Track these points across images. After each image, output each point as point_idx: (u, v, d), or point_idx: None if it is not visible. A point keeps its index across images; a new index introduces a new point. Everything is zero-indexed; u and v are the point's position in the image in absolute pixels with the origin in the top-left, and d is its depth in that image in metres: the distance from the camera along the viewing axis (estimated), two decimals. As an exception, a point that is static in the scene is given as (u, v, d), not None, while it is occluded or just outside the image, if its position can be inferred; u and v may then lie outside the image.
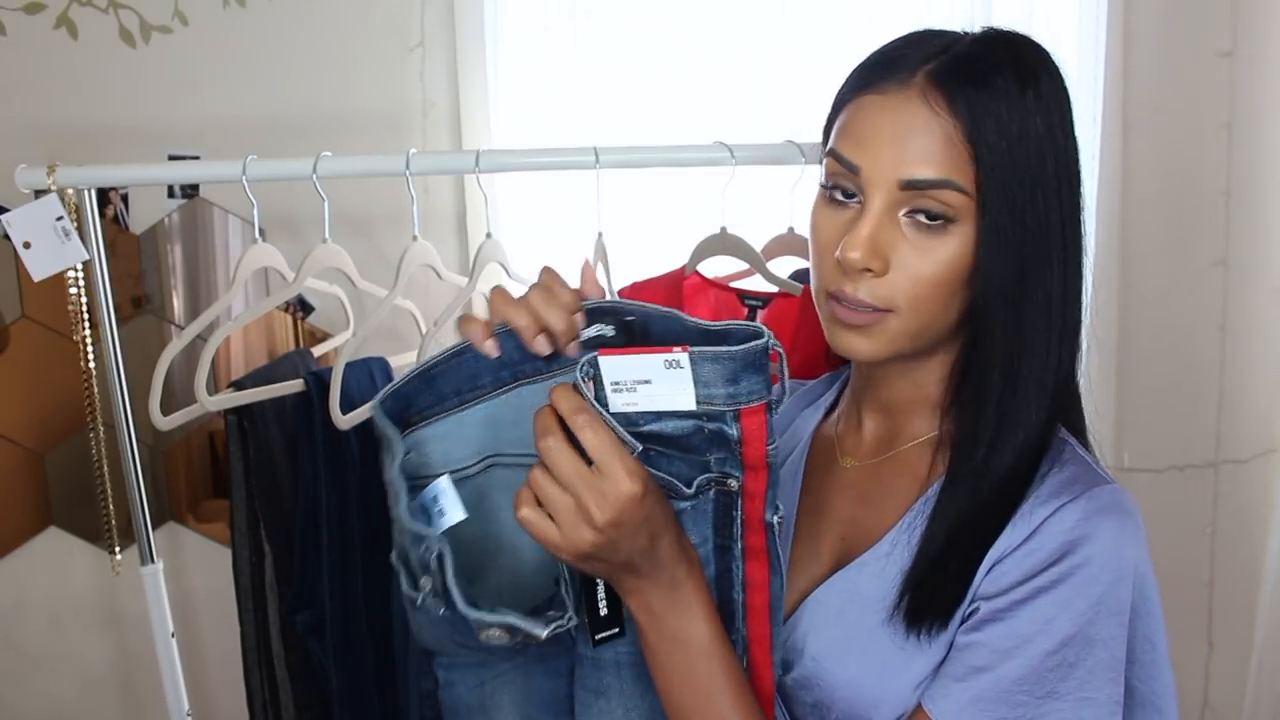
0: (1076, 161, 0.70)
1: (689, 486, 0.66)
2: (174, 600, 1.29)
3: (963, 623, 0.69)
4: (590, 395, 0.62)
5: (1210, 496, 1.73)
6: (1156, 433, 1.70)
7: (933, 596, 0.68)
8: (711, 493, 0.67)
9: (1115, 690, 0.65)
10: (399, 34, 1.65)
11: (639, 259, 1.34)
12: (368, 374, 1.28)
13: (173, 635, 1.28)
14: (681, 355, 0.61)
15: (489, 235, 1.21)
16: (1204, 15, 1.62)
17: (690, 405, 0.62)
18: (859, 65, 0.73)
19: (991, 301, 0.68)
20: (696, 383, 0.62)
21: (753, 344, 0.61)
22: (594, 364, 0.62)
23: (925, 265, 0.67)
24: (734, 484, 0.66)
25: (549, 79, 1.62)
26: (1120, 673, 0.66)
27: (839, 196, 0.71)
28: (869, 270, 0.68)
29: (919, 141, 0.66)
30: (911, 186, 0.66)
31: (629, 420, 0.63)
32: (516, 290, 0.70)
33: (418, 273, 1.20)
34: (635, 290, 1.22)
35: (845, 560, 0.76)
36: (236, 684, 1.27)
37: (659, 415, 0.64)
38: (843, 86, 0.74)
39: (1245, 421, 1.69)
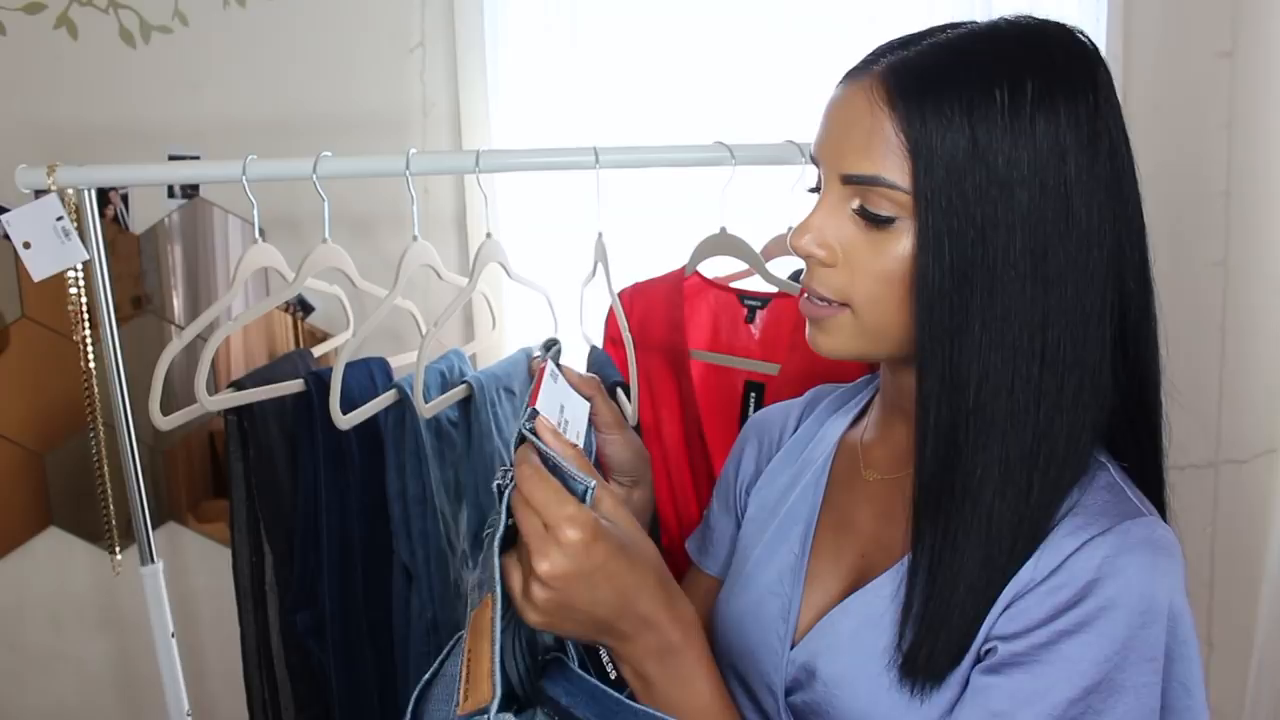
0: (1089, 168, 0.62)
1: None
2: (174, 600, 1.29)
3: (980, 659, 0.64)
4: (542, 444, 0.65)
5: (1210, 496, 1.73)
6: (1156, 433, 1.70)
7: (930, 656, 0.64)
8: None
9: None
10: (399, 34, 1.65)
11: (639, 259, 1.34)
12: (368, 374, 1.28)
13: (173, 635, 1.28)
14: (546, 366, 0.69)
15: (489, 235, 1.21)
16: (1204, 15, 1.62)
17: (586, 404, 0.71)
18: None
19: (932, 308, 0.62)
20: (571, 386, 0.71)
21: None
22: (532, 415, 0.66)
23: (874, 261, 0.65)
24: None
25: (549, 79, 1.62)
26: None
27: (814, 187, 0.72)
28: (819, 260, 0.68)
29: (855, 135, 0.65)
30: (850, 181, 0.66)
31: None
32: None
33: (418, 273, 1.20)
34: (636, 290, 1.22)
35: (864, 579, 0.72)
36: (236, 684, 1.27)
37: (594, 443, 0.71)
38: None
39: (1245, 421, 1.69)
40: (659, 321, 1.20)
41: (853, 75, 0.67)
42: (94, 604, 1.77)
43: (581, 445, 0.67)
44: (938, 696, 0.64)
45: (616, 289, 1.14)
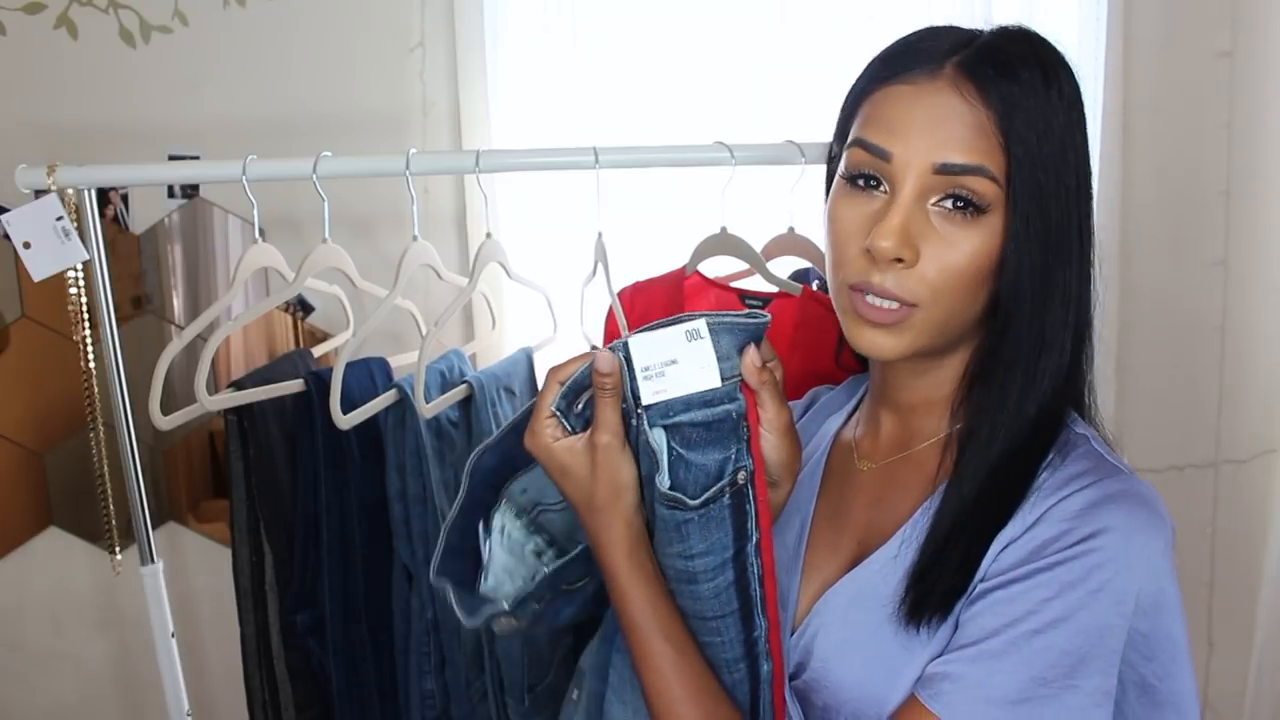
0: (1089, 161, 0.70)
1: (696, 498, 0.66)
2: (174, 600, 1.29)
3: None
4: (627, 387, 0.65)
5: (1210, 496, 1.73)
6: (1156, 433, 1.70)
7: (933, 588, 0.68)
8: (726, 498, 0.66)
9: (1105, 681, 0.64)
10: (399, 34, 1.65)
11: (639, 259, 1.34)
12: (368, 374, 1.28)
13: (173, 635, 1.28)
14: (699, 324, 0.63)
15: (489, 235, 1.21)
16: (1204, 15, 1.62)
17: (715, 381, 0.64)
18: (877, 59, 0.73)
19: (1019, 295, 0.68)
20: (718, 356, 0.64)
21: (760, 318, 0.64)
22: (624, 347, 0.64)
23: (953, 256, 0.67)
24: (743, 476, 0.66)
25: (549, 79, 1.62)
26: (1114, 664, 0.64)
27: (863, 185, 0.70)
28: (899, 260, 0.67)
29: (953, 129, 0.66)
30: (946, 171, 0.66)
31: (664, 412, 0.65)
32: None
33: (418, 273, 1.20)
34: (636, 290, 1.22)
35: (858, 562, 0.75)
36: (236, 684, 1.28)
37: (688, 404, 0.65)
38: (860, 80, 0.74)
39: (1245, 421, 1.69)
40: (659, 321, 1.20)
41: (921, 74, 0.68)
42: (94, 604, 1.77)
43: (659, 401, 0.64)
44: (928, 655, 0.67)
45: (617, 289, 1.14)
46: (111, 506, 1.28)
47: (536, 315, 1.51)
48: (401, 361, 1.38)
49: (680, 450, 0.65)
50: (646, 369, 0.64)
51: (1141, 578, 0.65)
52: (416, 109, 1.66)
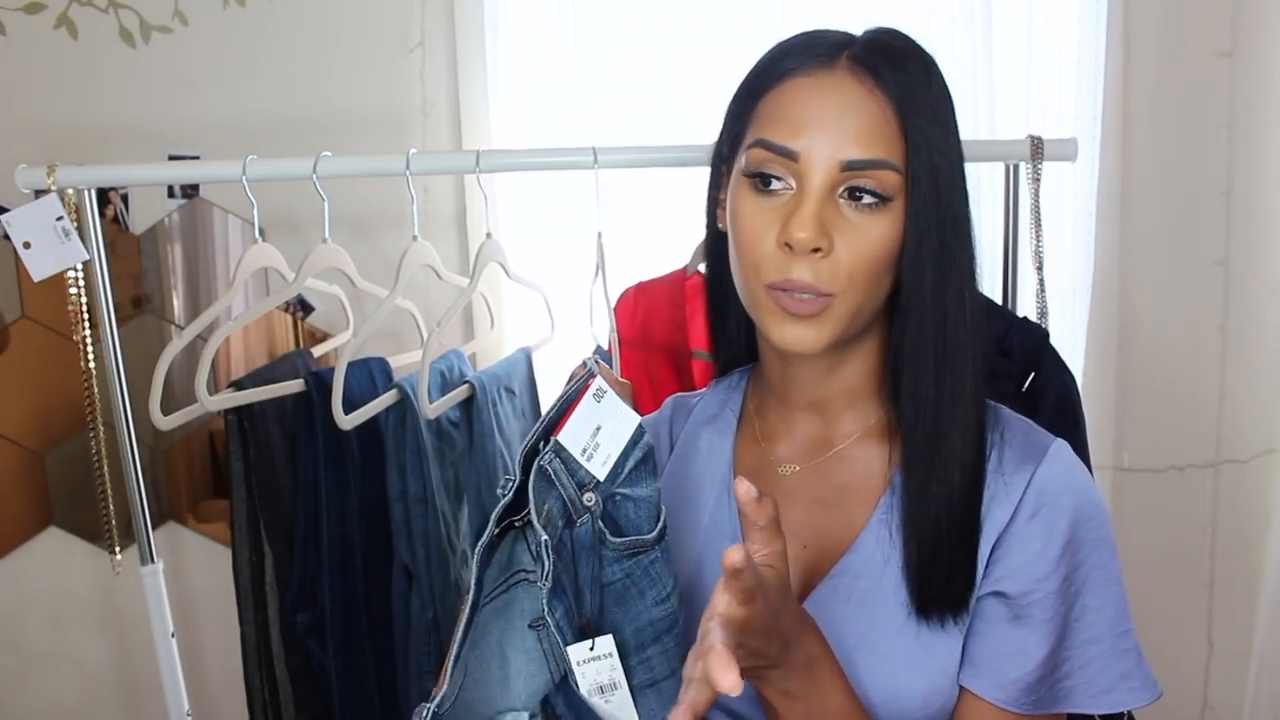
0: (961, 146, 0.72)
1: (651, 531, 0.66)
2: (174, 600, 1.29)
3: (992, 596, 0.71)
4: (571, 485, 0.65)
5: (1210, 496, 1.73)
6: (1156, 433, 1.70)
7: (944, 589, 0.69)
8: (667, 530, 0.68)
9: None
10: (399, 34, 1.65)
11: (639, 259, 1.34)
12: (368, 374, 1.28)
13: (173, 635, 1.28)
14: (596, 381, 0.65)
15: (489, 235, 1.21)
16: (1204, 15, 1.62)
17: (636, 419, 0.66)
18: (762, 61, 0.74)
19: (922, 276, 0.69)
20: (621, 398, 0.66)
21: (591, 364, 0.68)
22: (555, 448, 0.65)
23: (865, 243, 0.68)
24: (662, 508, 0.68)
25: (549, 79, 1.62)
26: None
27: (768, 183, 0.70)
28: (817, 250, 0.67)
29: (855, 120, 0.67)
30: (852, 168, 0.67)
31: (612, 477, 0.65)
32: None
33: (418, 273, 1.20)
34: (639, 290, 1.22)
35: (818, 568, 0.74)
36: (236, 684, 1.28)
37: (626, 455, 0.66)
38: (748, 82, 0.74)
39: (1245, 421, 1.69)
40: (662, 321, 1.20)
41: (817, 64, 0.70)
42: (94, 604, 1.77)
43: (610, 468, 0.65)
44: (946, 643, 0.70)
45: (618, 289, 1.14)
46: (111, 506, 1.28)
47: (536, 315, 1.51)
48: (401, 361, 1.38)
49: (625, 492, 0.66)
50: (584, 450, 0.65)
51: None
52: (416, 109, 1.66)
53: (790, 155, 0.68)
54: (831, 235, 0.68)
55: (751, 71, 0.74)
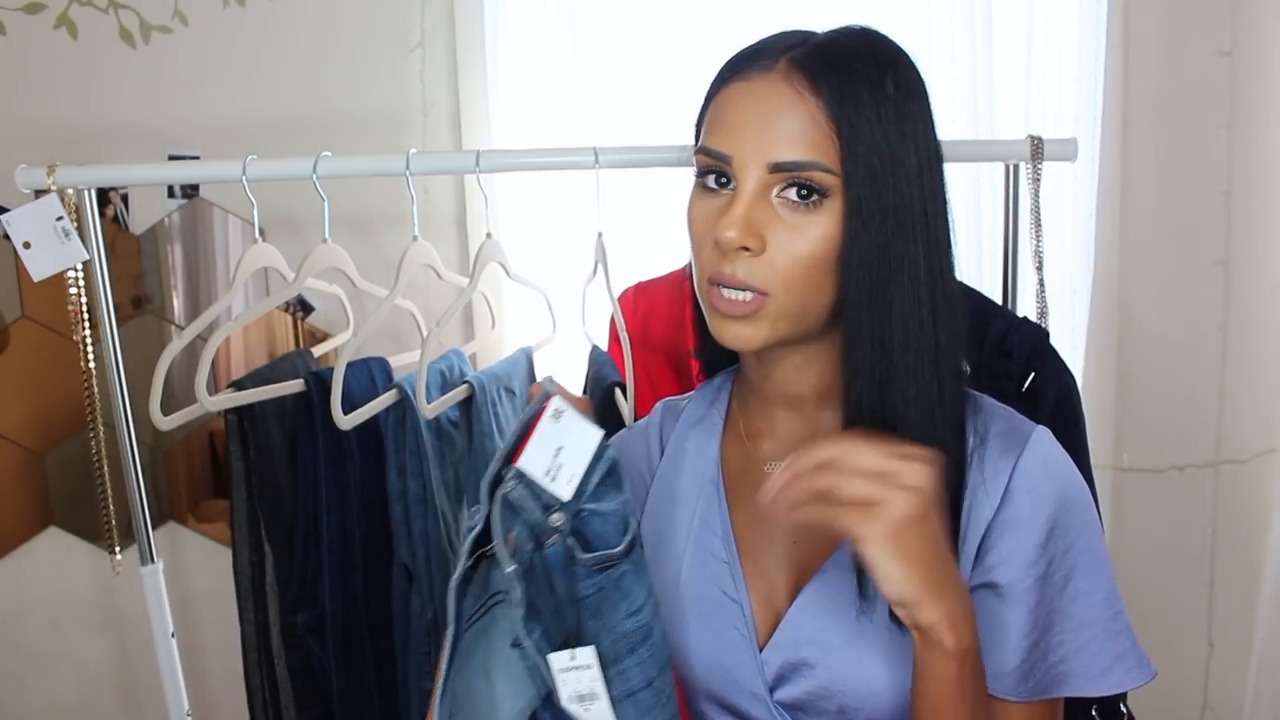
0: (935, 144, 0.72)
1: (619, 545, 0.66)
2: (174, 600, 1.29)
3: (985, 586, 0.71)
4: (539, 510, 0.64)
5: (1210, 496, 1.73)
6: (1156, 433, 1.70)
7: None
8: (639, 542, 0.67)
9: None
10: (399, 34, 1.65)
11: (639, 259, 1.34)
12: (368, 374, 1.28)
13: (173, 635, 1.28)
14: (553, 401, 0.64)
15: (489, 235, 1.21)
16: (1204, 15, 1.62)
17: (599, 434, 0.65)
18: (723, 64, 0.75)
19: (860, 273, 0.69)
20: (581, 415, 0.65)
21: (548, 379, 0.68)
22: (518, 475, 0.64)
23: (799, 243, 0.69)
24: (633, 519, 0.67)
25: (549, 79, 1.62)
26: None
27: (712, 184, 0.72)
28: (746, 249, 0.69)
29: (784, 122, 0.68)
30: (780, 169, 0.68)
31: (579, 494, 0.65)
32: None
33: (418, 273, 1.20)
34: (640, 290, 1.23)
35: (807, 566, 0.75)
36: (236, 684, 1.28)
37: (590, 470, 0.65)
38: (708, 90, 0.75)
39: (1245, 421, 1.68)
40: (662, 321, 1.20)
41: (756, 70, 0.70)
42: (94, 604, 1.77)
43: (575, 485, 0.65)
44: None
45: (618, 289, 1.14)
46: (111, 506, 1.28)
47: (536, 315, 1.51)
48: (401, 361, 1.38)
49: (592, 508, 0.66)
50: (547, 472, 0.64)
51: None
52: (416, 109, 1.66)
53: (724, 159, 0.70)
54: (764, 235, 0.69)
55: (713, 79, 0.76)
